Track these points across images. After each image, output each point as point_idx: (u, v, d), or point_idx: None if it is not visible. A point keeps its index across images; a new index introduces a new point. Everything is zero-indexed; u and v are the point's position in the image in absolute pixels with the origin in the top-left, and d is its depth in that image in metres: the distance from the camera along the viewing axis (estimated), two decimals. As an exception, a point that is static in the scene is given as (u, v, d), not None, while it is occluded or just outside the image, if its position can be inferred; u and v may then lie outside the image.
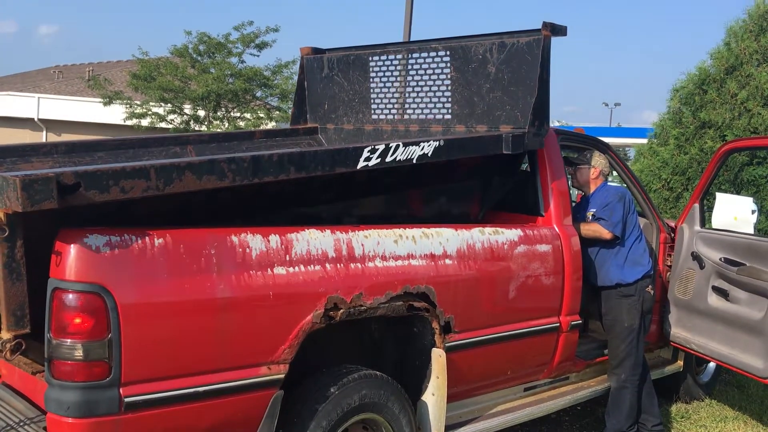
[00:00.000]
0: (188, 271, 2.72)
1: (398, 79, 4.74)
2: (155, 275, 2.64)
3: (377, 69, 4.81)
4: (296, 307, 3.01)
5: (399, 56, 4.70)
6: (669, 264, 5.28)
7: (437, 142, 3.56)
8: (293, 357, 2.99)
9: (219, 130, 16.83)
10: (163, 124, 17.93)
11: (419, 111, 4.63)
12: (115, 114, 19.38)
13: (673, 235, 5.33)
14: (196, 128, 18.14)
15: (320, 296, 3.08)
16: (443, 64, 4.42)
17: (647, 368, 4.85)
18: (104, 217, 2.76)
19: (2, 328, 2.52)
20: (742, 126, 9.30)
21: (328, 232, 3.21)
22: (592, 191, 4.68)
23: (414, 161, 3.46)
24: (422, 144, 3.49)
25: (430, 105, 4.54)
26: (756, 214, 5.02)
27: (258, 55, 18.31)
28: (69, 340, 2.51)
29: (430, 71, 4.51)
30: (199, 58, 18.09)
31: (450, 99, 4.41)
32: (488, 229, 3.89)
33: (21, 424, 2.76)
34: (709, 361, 5.55)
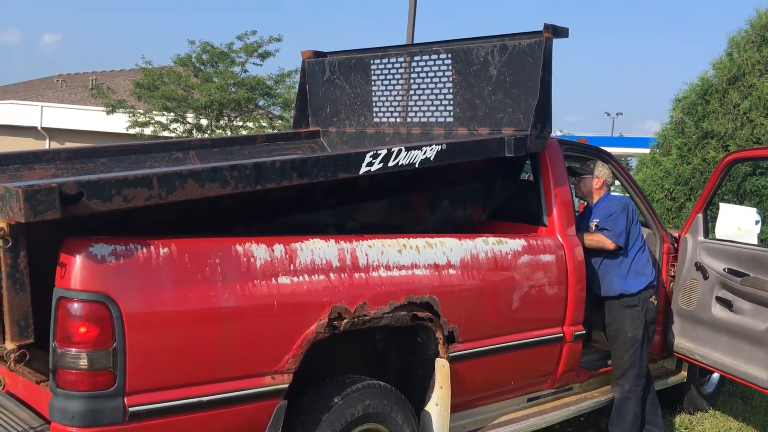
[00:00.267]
0: (193, 280, 2.72)
1: (400, 82, 4.74)
2: (160, 284, 2.65)
3: (379, 72, 4.81)
4: (300, 317, 3.01)
5: (400, 59, 4.70)
6: (672, 274, 5.28)
7: (439, 146, 3.55)
8: (297, 367, 2.99)
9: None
10: (165, 133, 17.97)
11: (421, 114, 4.62)
12: (118, 123, 19.42)
13: (676, 245, 5.33)
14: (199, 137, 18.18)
15: (324, 306, 3.08)
16: (445, 67, 4.41)
17: (651, 379, 4.84)
18: (107, 226, 2.76)
19: (6, 338, 2.52)
20: (744, 136, 9.31)
21: (332, 241, 3.21)
22: (595, 201, 4.69)
23: (416, 165, 3.45)
24: (424, 148, 3.48)
25: (432, 108, 4.54)
26: (759, 224, 5.01)
27: (261, 65, 18.37)
28: (74, 349, 2.51)
29: (431, 74, 4.51)
30: (202, 68, 18.15)
31: (452, 102, 4.40)
32: (492, 239, 3.89)
33: (25, 433, 2.75)
34: (712, 372, 5.53)
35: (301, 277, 3.03)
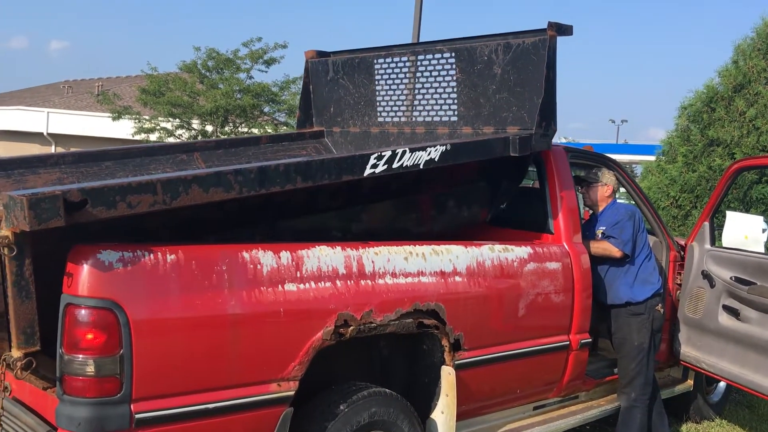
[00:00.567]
0: (200, 287, 2.72)
1: (404, 81, 4.72)
2: (167, 291, 2.65)
3: (382, 71, 4.79)
4: (307, 324, 3.01)
5: (404, 58, 4.69)
6: (679, 282, 5.26)
7: (444, 147, 3.53)
8: (303, 374, 2.99)
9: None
10: (171, 139, 18.03)
11: (425, 113, 4.61)
12: (124, 129, 19.51)
13: (682, 253, 5.31)
14: (204, 143, 18.19)
15: (331, 313, 3.07)
16: (449, 66, 4.40)
17: (657, 387, 4.81)
18: (107, 231, 2.75)
19: (12, 346, 2.52)
20: (750, 144, 9.30)
21: (338, 248, 3.21)
22: (602, 209, 4.67)
23: (421, 166, 3.44)
24: (429, 149, 3.47)
25: (436, 107, 4.53)
26: (766, 232, 4.99)
27: (266, 71, 18.42)
28: (81, 356, 2.51)
29: (435, 73, 4.49)
30: (207, 74, 18.23)
31: (456, 101, 4.39)
32: (498, 247, 3.88)
33: (31, 439, 2.76)
34: (719, 381, 5.50)
35: (307, 284, 3.03)
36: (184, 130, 18.42)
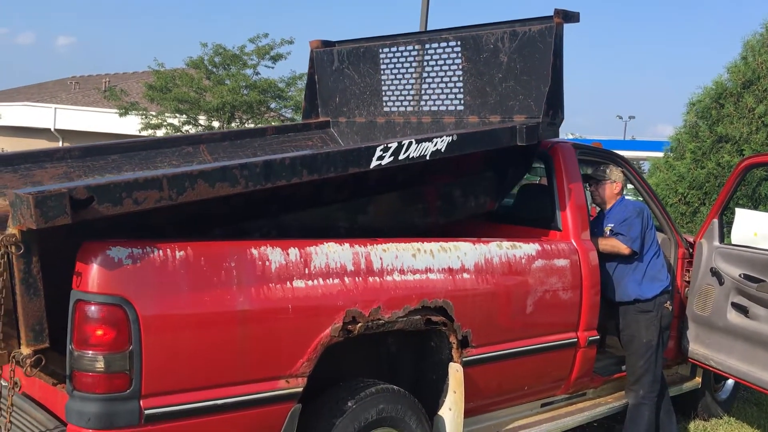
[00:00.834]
0: (209, 283, 2.72)
1: (409, 70, 4.69)
2: (176, 288, 2.65)
3: (388, 61, 4.77)
4: (315, 321, 3.01)
5: (409, 47, 4.65)
6: (687, 279, 5.24)
7: (450, 137, 3.51)
8: (311, 370, 2.99)
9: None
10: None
11: (431, 102, 4.58)
12: (131, 125, 19.56)
13: (691, 250, 5.29)
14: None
15: (339, 310, 3.07)
16: (454, 55, 4.36)
17: (665, 385, 4.80)
18: (113, 228, 2.75)
19: (22, 344, 2.52)
20: (760, 140, 9.25)
21: (346, 245, 3.21)
22: (610, 206, 4.65)
23: (427, 158, 3.41)
24: (435, 140, 3.44)
25: (443, 96, 4.50)
26: (776, 230, 4.97)
27: (273, 67, 18.45)
28: (91, 352, 2.52)
29: (441, 62, 4.46)
30: (214, 70, 18.26)
31: (462, 90, 4.36)
32: (506, 243, 3.87)
33: (41, 434, 2.77)
34: (727, 378, 5.49)
35: (315, 281, 3.03)
36: (190, 126, 18.46)
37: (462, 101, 4.38)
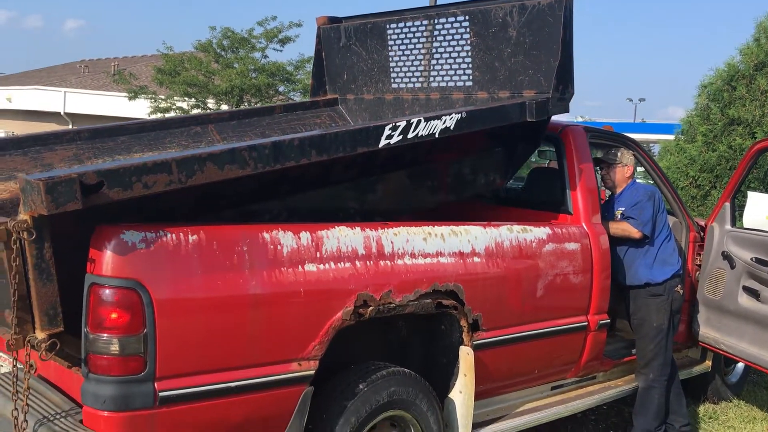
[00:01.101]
0: (221, 267, 2.74)
1: (417, 46, 4.64)
2: (189, 271, 2.67)
3: (395, 37, 4.72)
4: (326, 304, 3.03)
5: (417, 22, 4.60)
6: (698, 263, 5.23)
7: (459, 115, 3.48)
8: (323, 353, 3.01)
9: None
10: (186, 119, 18.08)
11: (440, 78, 4.53)
12: (140, 108, 19.58)
13: (702, 234, 5.27)
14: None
15: (350, 293, 3.09)
16: (462, 29, 4.31)
17: (675, 368, 4.80)
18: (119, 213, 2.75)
19: (36, 328, 2.55)
20: (772, 123, 9.17)
21: (358, 229, 3.21)
22: (621, 190, 4.64)
23: (436, 135, 3.39)
24: (444, 117, 3.41)
25: (451, 72, 4.45)
26: (789, 213, 4.94)
27: (281, 50, 18.42)
28: (105, 335, 2.54)
29: (449, 37, 4.41)
30: (222, 53, 18.22)
31: (471, 65, 4.31)
32: (517, 227, 3.87)
33: (57, 416, 2.81)
34: (737, 362, 5.49)
35: (327, 265, 3.04)
36: (199, 110, 18.46)
37: (471, 77, 4.34)
